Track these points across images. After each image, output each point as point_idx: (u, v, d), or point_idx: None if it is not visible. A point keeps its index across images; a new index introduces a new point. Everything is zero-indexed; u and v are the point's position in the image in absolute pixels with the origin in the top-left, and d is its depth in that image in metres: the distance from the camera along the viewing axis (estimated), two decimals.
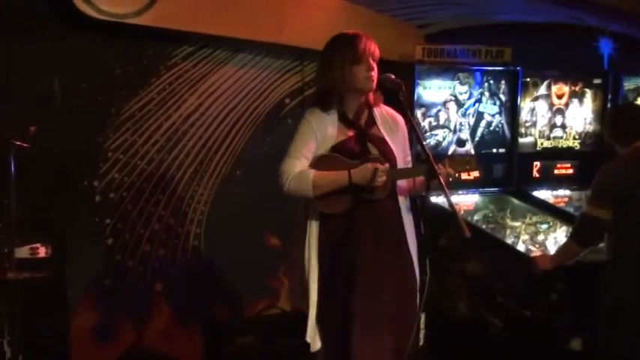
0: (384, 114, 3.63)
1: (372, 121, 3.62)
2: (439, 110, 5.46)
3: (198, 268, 5.36)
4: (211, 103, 5.34)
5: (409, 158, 3.72)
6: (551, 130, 6.02)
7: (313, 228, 3.62)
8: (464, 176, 5.40)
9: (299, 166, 3.54)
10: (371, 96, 3.58)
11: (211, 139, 5.36)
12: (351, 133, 3.57)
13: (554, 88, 5.97)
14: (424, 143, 3.44)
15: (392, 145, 3.52)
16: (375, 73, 3.50)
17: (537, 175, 5.94)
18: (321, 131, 3.56)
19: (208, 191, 5.38)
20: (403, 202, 3.61)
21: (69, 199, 4.89)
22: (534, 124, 5.94)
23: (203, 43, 5.25)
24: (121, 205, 5.09)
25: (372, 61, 3.49)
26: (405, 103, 3.42)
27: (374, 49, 3.51)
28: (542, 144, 5.99)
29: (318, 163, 3.55)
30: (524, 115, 5.87)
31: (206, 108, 5.32)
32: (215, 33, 5.08)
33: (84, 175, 4.96)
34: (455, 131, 5.53)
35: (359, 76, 3.48)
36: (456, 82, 5.49)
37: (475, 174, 5.52)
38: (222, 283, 5.42)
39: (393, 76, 3.48)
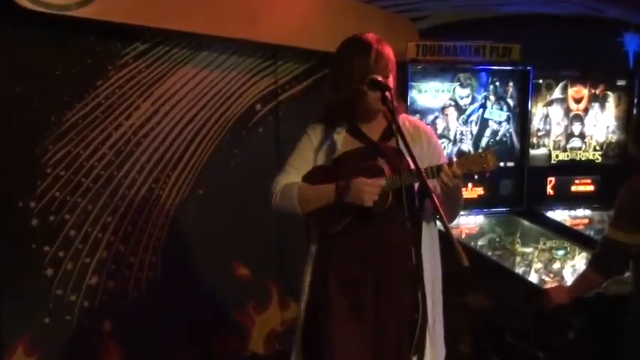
0: (405, 124, 3.59)
1: (388, 134, 3.59)
2: (437, 117, 5.45)
3: (153, 303, 5.30)
4: (169, 109, 5.30)
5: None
6: (567, 140, 6.01)
7: (310, 253, 3.60)
8: (466, 194, 5.40)
9: (290, 180, 3.53)
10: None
11: (169, 153, 5.32)
12: (359, 146, 3.56)
13: (571, 91, 5.97)
14: (415, 155, 3.40)
15: (409, 158, 3.45)
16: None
17: (552, 193, 5.94)
18: (323, 144, 3.56)
19: (165, 213, 5.33)
20: (426, 224, 3.57)
21: (0, 222, 4.83)
22: (548, 134, 5.93)
23: (159, 39, 5.21)
24: (63, 229, 5.02)
25: (384, 77, 3.45)
26: (391, 108, 3.38)
27: (387, 59, 3.43)
28: (557, 156, 5.99)
29: (309, 175, 3.55)
30: (537, 123, 5.86)
31: (162, 116, 5.28)
32: (173, 28, 5.03)
33: (18, 195, 4.89)
34: (455, 142, 5.52)
35: (369, 95, 3.45)
36: (456, 85, 5.48)
37: (479, 191, 5.52)
38: (182, 321, 5.36)
39: (379, 77, 3.43)
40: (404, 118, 3.61)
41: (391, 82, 3.44)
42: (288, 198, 3.49)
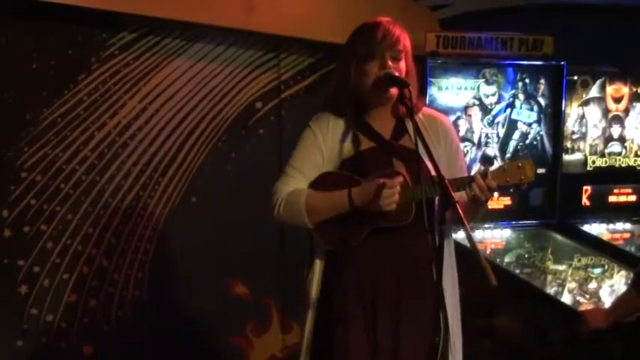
0: (420, 118, 3.57)
1: (400, 131, 3.56)
2: (459, 118, 5.43)
3: (140, 324, 5.29)
4: (158, 107, 5.29)
5: (460, 175, 3.63)
6: (605, 145, 6.00)
7: (316, 267, 3.56)
8: (491, 204, 5.38)
9: (295, 186, 3.51)
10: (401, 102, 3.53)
11: (158, 156, 5.31)
12: (371, 145, 3.55)
13: (610, 89, 5.96)
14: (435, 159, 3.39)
15: (427, 159, 3.44)
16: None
17: (588, 204, 5.91)
18: (329, 142, 3.52)
19: (154, 224, 5.32)
20: (447, 236, 3.52)
21: None
22: (584, 137, 5.92)
23: (148, 28, 5.20)
24: (39, 241, 5.02)
25: (389, 57, 3.45)
26: (410, 107, 3.37)
27: (395, 39, 3.41)
28: (594, 162, 5.97)
29: (317, 182, 3.50)
30: (571, 125, 5.85)
31: (151, 114, 5.27)
32: (164, 15, 5.02)
33: None
34: (479, 145, 5.50)
35: (371, 75, 3.46)
36: (481, 81, 5.47)
37: (506, 200, 5.50)
38: (172, 344, 5.35)
39: (396, 73, 3.44)
40: (420, 113, 3.60)
41: (403, 68, 3.45)
42: (294, 207, 3.44)
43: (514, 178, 3.30)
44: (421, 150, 3.29)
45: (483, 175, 3.28)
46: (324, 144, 3.53)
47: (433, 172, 3.26)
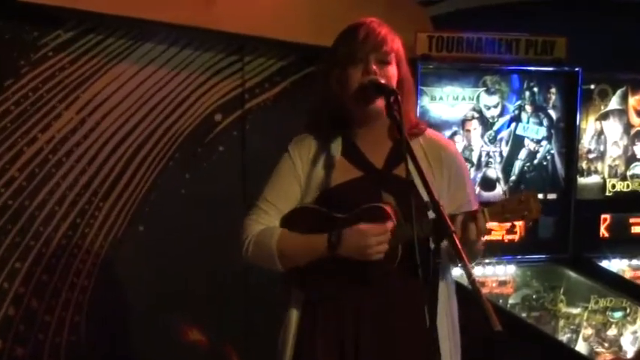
0: (418, 142, 3.55)
1: (396, 158, 3.51)
2: (455, 133, 5.41)
3: None
4: (99, 119, 5.27)
5: (465, 210, 3.57)
6: (627, 166, 6.00)
7: (292, 316, 3.53)
8: (494, 235, 5.38)
9: (267, 223, 3.49)
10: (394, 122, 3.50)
11: (99, 177, 5.28)
12: (358, 174, 3.53)
13: (633, 101, 5.97)
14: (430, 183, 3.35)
15: (423, 192, 3.39)
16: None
17: (606, 235, 5.91)
18: (309, 170, 3.50)
19: (93, 258, 5.28)
20: (441, 274, 3.51)
21: None
22: (602, 156, 5.93)
23: (88, 25, 5.17)
24: None
25: (374, 60, 3.43)
26: (399, 120, 3.35)
27: (380, 40, 3.39)
28: (613, 187, 5.97)
29: (289, 219, 3.49)
30: (587, 142, 5.85)
31: (91, 128, 5.25)
32: (107, 11, 4.98)
33: None
34: (479, 166, 5.49)
35: (354, 82, 3.41)
36: (482, 91, 5.46)
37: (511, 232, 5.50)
38: None
39: (382, 81, 3.42)
40: (420, 137, 3.58)
41: (392, 74, 3.41)
42: (264, 249, 3.41)
43: (515, 215, 3.23)
44: (415, 176, 3.25)
45: (478, 214, 3.21)
46: (302, 173, 3.50)
47: (426, 199, 3.22)
